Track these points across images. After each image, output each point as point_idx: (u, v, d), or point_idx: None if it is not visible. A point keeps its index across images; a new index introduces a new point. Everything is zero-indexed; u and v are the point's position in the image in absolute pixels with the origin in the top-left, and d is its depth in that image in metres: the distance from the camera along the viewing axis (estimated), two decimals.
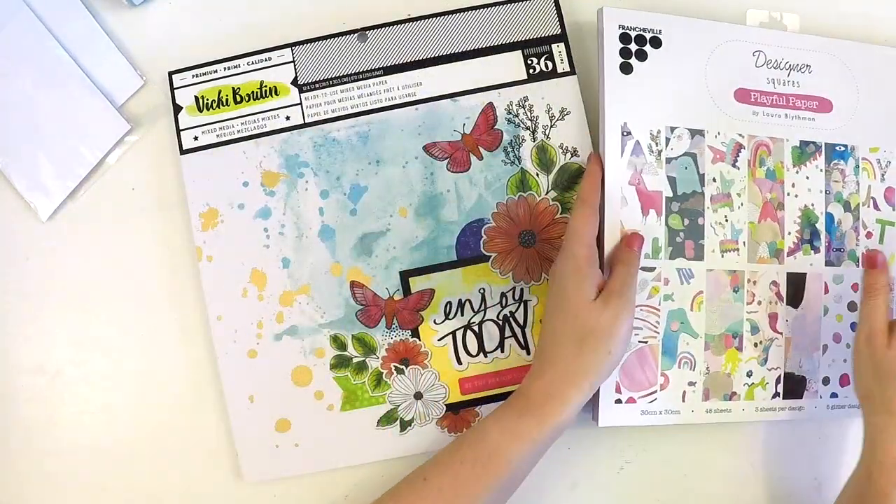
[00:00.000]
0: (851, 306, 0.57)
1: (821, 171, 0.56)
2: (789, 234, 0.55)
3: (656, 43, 0.54)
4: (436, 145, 0.57)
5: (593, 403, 0.53)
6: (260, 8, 0.59)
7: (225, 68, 0.58)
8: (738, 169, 0.54)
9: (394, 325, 0.56)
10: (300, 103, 0.57)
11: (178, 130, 0.57)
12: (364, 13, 0.58)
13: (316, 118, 0.57)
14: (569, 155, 0.57)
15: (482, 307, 0.56)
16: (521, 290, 0.56)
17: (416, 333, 0.56)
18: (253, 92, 0.57)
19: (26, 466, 0.57)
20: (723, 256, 0.54)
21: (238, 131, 0.57)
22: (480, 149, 0.57)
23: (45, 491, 0.56)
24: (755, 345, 0.55)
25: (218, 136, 0.57)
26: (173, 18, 0.58)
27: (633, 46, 0.54)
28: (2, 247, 0.58)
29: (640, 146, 0.53)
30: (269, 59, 0.58)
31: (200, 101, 0.57)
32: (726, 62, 0.55)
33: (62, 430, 0.57)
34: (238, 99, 0.57)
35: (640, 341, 0.53)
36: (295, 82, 0.57)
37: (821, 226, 0.56)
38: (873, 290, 0.52)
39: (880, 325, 0.51)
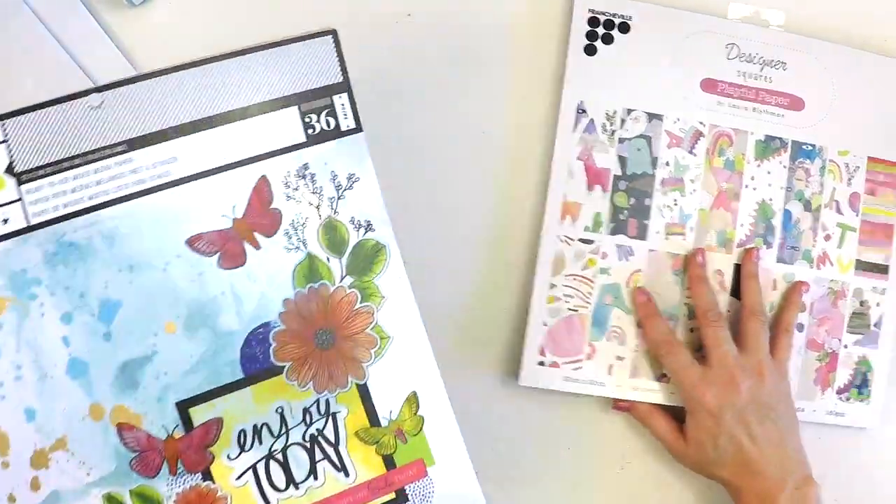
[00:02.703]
0: (800, 306, 0.56)
1: (784, 167, 0.56)
2: (742, 225, 0.56)
3: (625, 28, 0.55)
4: (201, 237, 0.46)
5: (517, 363, 0.54)
6: (260, 8, 0.56)
7: None
8: (695, 156, 0.55)
9: (179, 470, 0.45)
10: (20, 199, 0.45)
11: None
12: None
13: (44, 217, 0.45)
14: (362, 230, 0.47)
15: (283, 430, 0.46)
16: (327, 401, 0.47)
17: (208, 475, 0.46)
18: None
19: None
20: (667, 238, 0.55)
21: None
22: (257, 235, 0.47)
23: None
24: (691, 330, 0.55)
25: None
26: (173, 18, 0.56)
27: (601, 30, 0.55)
28: None
29: (594, 124, 0.54)
30: None
31: None
32: (696, 52, 0.56)
33: None
34: None
35: (569, 309, 0.54)
36: (10, 170, 0.45)
37: (777, 222, 0.56)
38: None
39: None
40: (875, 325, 0.57)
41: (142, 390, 0.45)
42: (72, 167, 0.46)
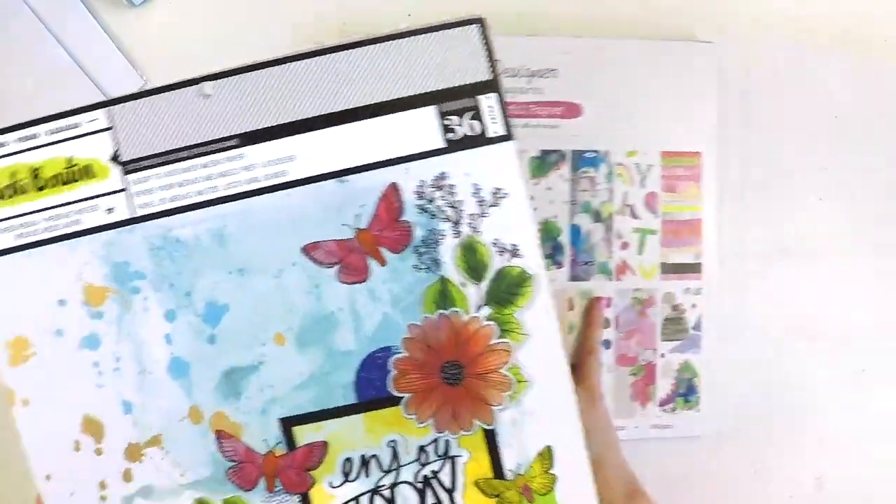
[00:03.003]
0: (602, 323, 0.54)
1: (566, 180, 0.53)
2: None
3: None
4: (319, 246, 0.41)
5: None
6: (262, 8, 0.56)
7: (18, 139, 0.41)
8: None
9: (277, 489, 0.42)
10: (125, 189, 0.41)
11: None
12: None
13: (150, 210, 0.41)
14: (507, 255, 0.41)
15: (394, 465, 0.42)
16: (447, 442, 0.42)
17: (306, 499, 0.42)
18: (59, 174, 0.41)
19: None
20: None
21: (45, 229, 0.41)
22: (382, 250, 0.41)
23: None
24: None
25: (19, 236, 0.41)
26: (173, 18, 0.57)
27: None
28: None
29: None
30: (77, 125, 0.41)
31: None
32: None
33: None
34: (41, 184, 0.41)
35: None
36: (116, 158, 0.41)
37: (565, 239, 0.53)
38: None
39: None
40: (694, 328, 0.54)
41: (244, 400, 0.42)
42: (179, 159, 0.41)
